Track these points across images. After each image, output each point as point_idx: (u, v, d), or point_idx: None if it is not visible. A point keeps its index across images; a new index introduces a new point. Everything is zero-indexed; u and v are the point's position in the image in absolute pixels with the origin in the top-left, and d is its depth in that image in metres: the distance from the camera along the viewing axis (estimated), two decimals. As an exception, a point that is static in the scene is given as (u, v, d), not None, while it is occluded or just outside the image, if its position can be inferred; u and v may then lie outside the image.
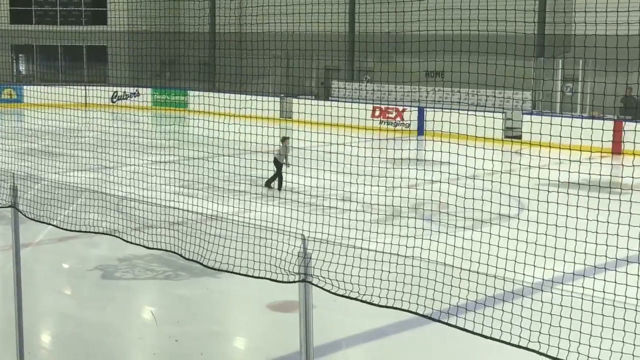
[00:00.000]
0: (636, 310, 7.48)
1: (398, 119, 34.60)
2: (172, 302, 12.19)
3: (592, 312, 7.44)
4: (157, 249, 8.61)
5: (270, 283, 7.84)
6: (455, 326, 6.91)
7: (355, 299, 7.29)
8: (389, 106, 33.55)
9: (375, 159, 16.34)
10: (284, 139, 19.79)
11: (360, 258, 8.65)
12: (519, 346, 6.59)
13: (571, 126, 9.24)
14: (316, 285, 6.91)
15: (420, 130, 32.95)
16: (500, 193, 9.45)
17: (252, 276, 7.82)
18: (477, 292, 8.04)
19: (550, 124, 9.42)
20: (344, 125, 12.11)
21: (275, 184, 20.26)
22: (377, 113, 34.61)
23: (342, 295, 7.37)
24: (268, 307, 11.42)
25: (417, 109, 32.89)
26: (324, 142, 12.52)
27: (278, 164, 19.89)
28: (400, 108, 33.89)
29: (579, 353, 6.63)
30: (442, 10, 10.66)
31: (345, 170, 11.37)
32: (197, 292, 12.41)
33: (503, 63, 9.17)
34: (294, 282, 6.86)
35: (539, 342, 6.70)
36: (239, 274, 7.91)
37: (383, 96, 31.62)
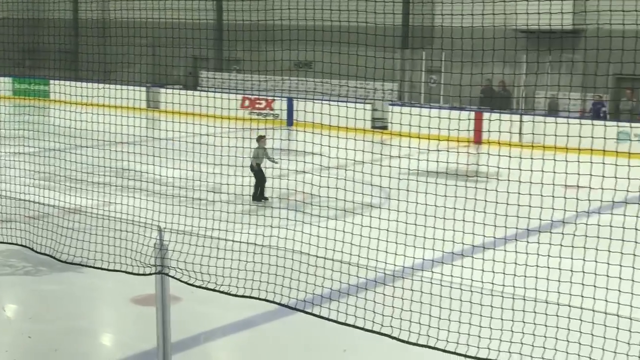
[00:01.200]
0: (492, 295, 7.74)
1: (267, 109, 34.57)
2: (31, 298, 11.73)
3: (450, 298, 7.65)
4: (7, 242, 8.23)
5: (134, 277, 7.65)
6: (317, 315, 6.96)
7: (213, 289, 7.21)
8: (258, 96, 33.45)
9: (245, 150, 16.29)
10: (260, 138, 16.92)
11: (225, 249, 8.56)
12: (372, 331, 6.70)
13: (435, 117, 9.43)
14: (172, 277, 6.79)
15: (290, 121, 33.05)
16: (363, 183, 9.55)
17: (106, 269, 7.60)
18: (340, 282, 8.11)
19: (410, 114, 9.62)
20: (213, 115, 11.95)
21: (266, 193, 16.99)
22: (246, 103, 34.47)
23: (199, 286, 7.27)
24: (132, 301, 11.16)
25: (286, 99, 32.95)
26: (193, 133, 12.34)
27: (256, 169, 16.56)
28: (270, 98, 33.86)
29: (428, 336, 6.83)
30: (311, 1, 10.69)
31: (213, 162, 11.21)
32: (59, 288, 11.98)
33: (369, 54, 9.27)
34: (150, 274, 6.72)
35: (391, 326, 6.84)
36: (92, 267, 7.67)
37: (252, 86, 31.49)
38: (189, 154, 10.30)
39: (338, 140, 9.80)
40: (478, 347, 6.79)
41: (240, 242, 9.16)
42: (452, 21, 8.39)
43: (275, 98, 33.62)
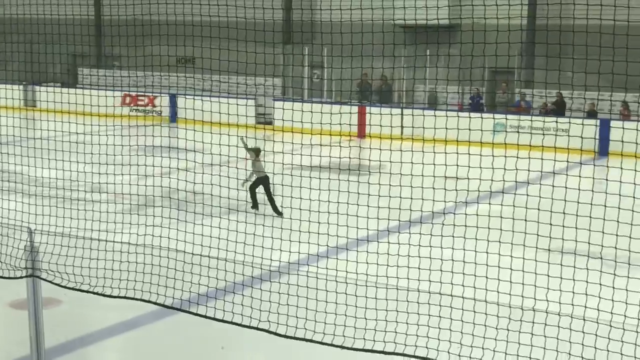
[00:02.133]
0: (376, 287, 7.79)
1: (149, 106, 33.94)
2: None
3: (336, 292, 7.65)
4: None
5: (12, 280, 7.34)
6: (197, 314, 6.86)
7: (87, 291, 7.00)
8: (140, 93, 32.80)
9: (126, 148, 15.89)
10: (258, 152, 14.57)
11: (105, 250, 8.31)
12: (250, 327, 6.67)
13: (318, 112, 9.43)
14: (44, 280, 6.54)
15: (173, 118, 32.58)
16: (248, 180, 9.46)
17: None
18: (225, 280, 8.01)
19: (293, 109, 9.59)
20: (92, 113, 11.57)
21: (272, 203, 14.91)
22: (127, 100, 33.73)
23: (72, 288, 7.04)
24: (9, 305, 10.71)
25: (168, 95, 32.45)
26: (69, 132, 11.93)
27: (262, 181, 14.57)
28: (152, 95, 33.24)
29: (305, 329, 6.86)
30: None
31: (94, 161, 10.86)
32: None
33: (252, 50, 9.19)
34: (21, 277, 6.44)
35: (268, 321, 6.83)
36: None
37: (133, 83, 30.83)
38: (67, 153, 9.95)
39: (220, 136, 9.67)
40: (354, 338, 6.87)
41: (121, 242, 8.91)
42: (332, 16, 8.37)
43: (158, 95, 33.04)
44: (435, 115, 9.02)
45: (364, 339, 6.81)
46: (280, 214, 13.65)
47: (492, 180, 8.39)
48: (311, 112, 9.29)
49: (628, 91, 23.42)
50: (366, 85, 28.93)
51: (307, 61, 30.38)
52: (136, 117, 31.81)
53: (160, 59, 11.64)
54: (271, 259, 8.04)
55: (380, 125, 9.28)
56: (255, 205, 14.73)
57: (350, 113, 25.16)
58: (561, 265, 7.23)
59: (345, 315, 7.28)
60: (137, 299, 7.24)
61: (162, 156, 11.63)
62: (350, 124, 13.16)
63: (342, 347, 6.68)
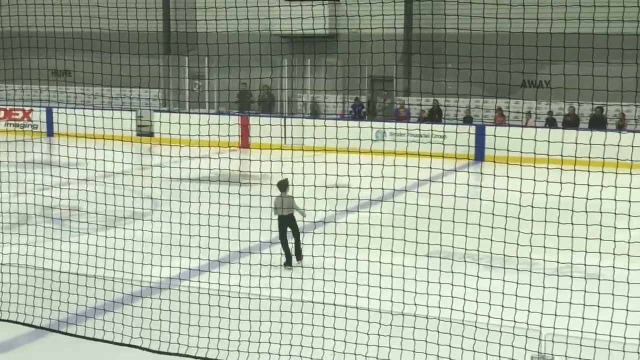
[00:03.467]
0: (249, 298, 7.71)
1: (25, 120, 32.79)
2: None
3: (209, 305, 7.53)
4: None
5: None
6: (67, 333, 6.65)
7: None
8: (15, 107, 31.64)
9: (3, 163, 15.23)
10: (284, 186, 11.00)
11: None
12: (121, 344, 6.53)
13: (198, 123, 9.29)
14: None
15: (50, 132, 31.57)
16: (124, 196, 9.23)
17: None
18: (104, 299, 7.76)
19: (169, 122, 9.43)
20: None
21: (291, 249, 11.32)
22: (1, 114, 32.48)
23: None
24: None
25: (45, 109, 31.44)
26: None
27: (284, 220, 11.04)
28: (27, 109, 32.12)
29: (179, 344, 6.78)
30: (68, 7, 10.16)
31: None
32: None
33: (132, 62, 8.98)
34: None
35: (141, 337, 6.69)
36: None
37: (8, 96, 29.74)
38: None
39: (99, 151, 9.40)
40: (228, 351, 6.83)
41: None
42: (212, 26, 8.28)
43: (33, 108, 31.95)
44: (314, 125, 9.03)
45: (238, 350, 6.78)
46: (299, 259, 10.96)
47: (370, 188, 8.45)
48: (189, 124, 9.13)
49: (502, 98, 24.23)
50: (246, 95, 28.82)
51: (187, 72, 30.05)
52: (14, 131, 30.70)
53: (39, 72, 11.23)
54: (151, 275, 7.85)
55: (260, 136, 9.24)
56: (288, 259, 10.90)
57: (229, 124, 24.93)
58: (440, 270, 7.35)
59: (219, 327, 7.19)
60: (8, 321, 6.93)
61: (34, 173, 11.20)
62: (229, 135, 13.03)
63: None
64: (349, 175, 7.96)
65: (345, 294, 7.52)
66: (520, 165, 7.39)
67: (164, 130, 25.75)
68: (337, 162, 8.19)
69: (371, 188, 8.08)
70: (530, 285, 6.93)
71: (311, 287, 7.60)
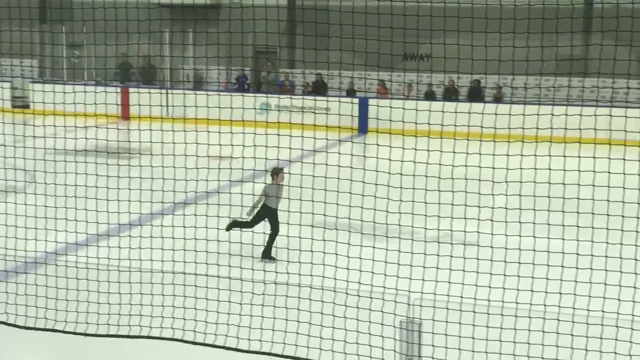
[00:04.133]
0: (141, 271, 7.56)
1: None
2: None
3: (98, 281, 7.36)
4: None
5: None
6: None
7: None
8: None
9: None
10: (279, 172, 10.14)
11: None
12: None
13: (80, 92, 8.98)
14: None
15: None
16: (4, 168, 8.85)
17: None
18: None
19: (54, 91, 9.08)
20: None
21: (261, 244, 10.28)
22: None
23: None
24: None
25: None
26: None
27: (268, 211, 10.17)
28: None
29: (46, 319, 6.62)
30: None
31: None
32: None
33: (6, 29, 8.58)
34: None
35: (6, 313, 6.49)
36: None
37: None
38: None
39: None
40: (108, 325, 6.72)
41: None
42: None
43: None
44: (196, 94, 8.88)
45: (108, 324, 6.68)
46: (272, 259, 9.97)
47: (254, 158, 8.40)
48: (64, 92, 8.81)
49: (384, 70, 24.51)
50: (126, 65, 28.12)
51: (65, 40, 29.03)
52: None
53: None
54: (26, 250, 7.57)
55: (140, 105, 9.01)
56: (267, 252, 10.06)
57: (106, 93, 24.39)
58: (324, 240, 7.38)
59: (98, 302, 7.02)
60: None
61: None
62: (113, 105, 12.71)
63: (85, 334, 6.54)
64: (232, 145, 7.87)
65: (229, 266, 7.45)
66: (403, 135, 7.50)
67: (41, 101, 24.89)
68: (219, 133, 8.08)
69: (254, 158, 8.04)
70: (412, 253, 7.04)
71: (193, 258, 7.49)
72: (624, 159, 7.02)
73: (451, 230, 7.84)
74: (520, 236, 7.13)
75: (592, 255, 6.72)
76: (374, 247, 7.20)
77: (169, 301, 7.14)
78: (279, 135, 7.78)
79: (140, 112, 9.10)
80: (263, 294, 7.07)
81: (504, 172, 7.16)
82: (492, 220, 7.23)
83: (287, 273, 7.27)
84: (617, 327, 6.14)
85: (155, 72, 28.89)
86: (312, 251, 7.40)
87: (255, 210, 9.99)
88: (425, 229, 7.76)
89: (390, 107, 8.04)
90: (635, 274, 6.62)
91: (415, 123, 7.74)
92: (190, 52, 23.88)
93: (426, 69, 25.87)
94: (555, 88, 22.40)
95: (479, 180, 7.39)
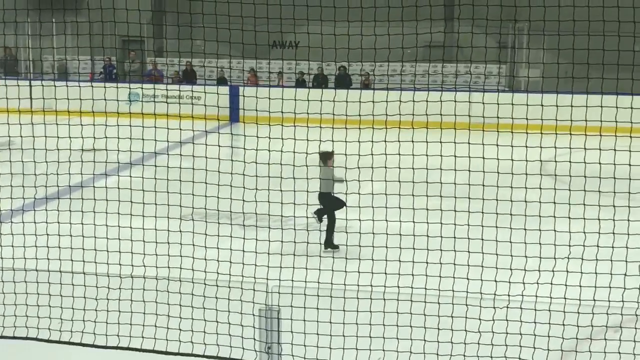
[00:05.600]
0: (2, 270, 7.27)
1: None
2: None
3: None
4: None
5: None
6: None
7: None
8: None
9: None
10: (328, 156, 10.57)
11: None
12: None
13: None
14: None
15: None
16: None
17: None
18: None
19: None
20: None
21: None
22: None
23: None
24: None
25: None
26: None
27: (330, 198, 10.72)
28: None
29: None
30: None
31: None
32: None
33: None
34: None
35: None
36: None
37: None
38: None
39: None
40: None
41: None
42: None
43: None
44: (67, 86, 8.53)
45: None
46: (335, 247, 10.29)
47: (130, 150, 8.21)
48: None
49: (254, 59, 24.45)
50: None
51: None
52: None
53: None
54: None
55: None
56: (329, 241, 10.47)
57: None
58: (193, 232, 7.30)
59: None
60: None
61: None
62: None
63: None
64: (106, 137, 7.69)
65: (108, 264, 7.24)
66: (269, 125, 7.50)
67: None
68: (90, 125, 7.85)
69: (121, 150, 7.85)
70: (282, 242, 7.07)
71: (70, 256, 7.24)
72: (483, 144, 7.24)
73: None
74: (387, 221, 7.26)
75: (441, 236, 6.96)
76: (230, 237, 7.15)
77: (22, 299, 6.89)
78: (143, 127, 7.62)
79: (7, 105, 8.75)
80: (119, 289, 6.90)
81: (370, 158, 7.27)
82: (359, 206, 7.33)
83: (168, 267, 7.12)
84: (466, 305, 6.31)
85: (17, 63, 27.81)
86: (180, 244, 7.28)
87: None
88: (294, 217, 7.81)
89: (256, 96, 7.95)
90: (453, 250, 6.86)
91: (282, 112, 7.73)
92: (53, 42, 23.08)
93: (297, 58, 26.01)
94: (420, 74, 22.98)
95: (345, 167, 7.47)
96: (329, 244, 10.39)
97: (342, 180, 10.13)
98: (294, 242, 7.07)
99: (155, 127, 7.75)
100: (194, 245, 7.16)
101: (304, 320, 6.21)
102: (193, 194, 7.33)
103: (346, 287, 6.39)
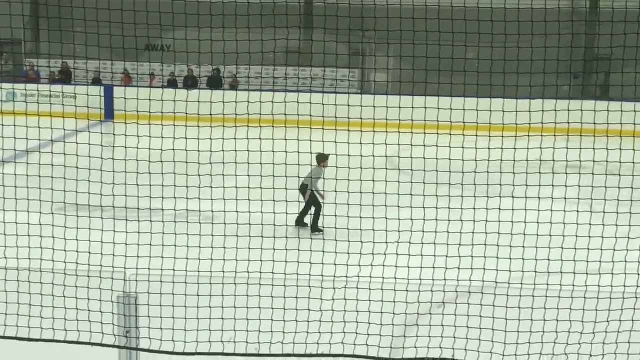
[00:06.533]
0: None
1: None
2: None
3: None
4: None
5: None
6: None
7: None
8: None
9: None
10: (323, 158, 11.41)
11: None
12: None
13: None
14: None
15: None
16: None
17: None
18: None
19: None
20: None
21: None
22: None
23: None
24: None
25: None
26: None
27: (312, 195, 11.62)
28: None
29: None
30: None
31: None
32: None
33: None
34: None
35: None
36: None
37: None
38: None
39: None
40: None
41: None
42: None
43: None
44: None
45: None
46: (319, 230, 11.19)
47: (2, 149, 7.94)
48: None
49: (128, 61, 23.97)
50: None
51: None
52: None
53: None
54: None
55: None
56: (314, 225, 11.49)
57: None
58: (65, 227, 7.15)
59: None
60: None
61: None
62: None
63: None
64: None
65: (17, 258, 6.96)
66: (137, 123, 7.45)
67: None
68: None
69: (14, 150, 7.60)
70: (149, 233, 7.02)
71: None
72: (335, 142, 7.45)
73: (187, 210, 7.91)
74: (249, 212, 7.34)
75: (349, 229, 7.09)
76: (163, 233, 7.07)
77: None
78: (15, 125, 7.41)
79: None
80: (4, 279, 6.70)
81: (246, 153, 7.34)
82: (236, 199, 7.35)
83: (41, 259, 6.91)
84: (395, 290, 6.46)
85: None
86: (53, 237, 7.11)
87: (309, 192, 11.36)
88: (162, 209, 7.78)
89: (131, 97, 7.89)
90: (355, 241, 7.07)
91: (161, 112, 7.68)
92: None
93: (168, 59, 25.72)
94: (286, 78, 23.19)
95: (211, 163, 7.49)
96: (315, 228, 11.37)
97: (319, 192, 11.38)
98: (138, 232, 7.02)
99: (26, 126, 7.52)
100: (53, 237, 7.00)
101: (160, 305, 6.19)
102: (64, 190, 7.18)
103: (200, 273, 6.43)
